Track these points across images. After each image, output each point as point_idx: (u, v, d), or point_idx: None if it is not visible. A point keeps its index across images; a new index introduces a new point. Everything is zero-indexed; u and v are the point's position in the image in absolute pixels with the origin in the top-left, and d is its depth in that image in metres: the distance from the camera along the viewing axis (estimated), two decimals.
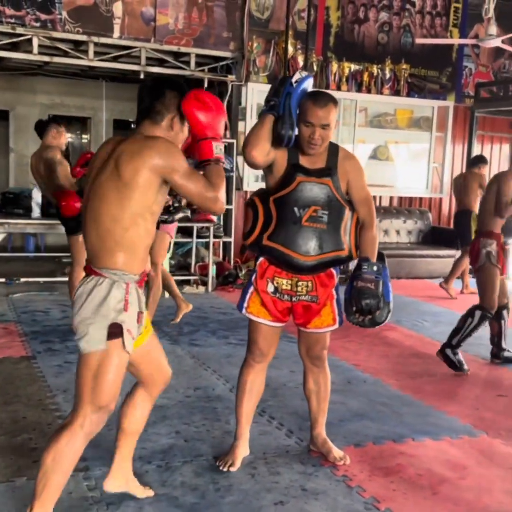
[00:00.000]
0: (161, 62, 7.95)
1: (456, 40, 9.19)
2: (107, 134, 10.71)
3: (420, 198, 9.46)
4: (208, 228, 7.43)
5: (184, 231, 7.70)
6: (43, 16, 7.01)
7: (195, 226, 7.63)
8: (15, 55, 7.28)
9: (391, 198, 9.36)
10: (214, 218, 7.24)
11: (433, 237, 9.19)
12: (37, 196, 6.61)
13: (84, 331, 2.29)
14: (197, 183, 2.33)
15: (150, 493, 2.79)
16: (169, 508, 2.72)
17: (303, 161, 2.91)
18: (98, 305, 2.28)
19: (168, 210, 5.24)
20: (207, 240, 7.59)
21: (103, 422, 2.38)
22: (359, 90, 8.55)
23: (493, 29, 7.05)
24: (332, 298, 3.02)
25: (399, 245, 9.03)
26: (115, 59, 7.65)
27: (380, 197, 9.28)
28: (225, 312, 6.08)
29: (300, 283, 2.96)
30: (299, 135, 2.85)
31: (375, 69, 8.61)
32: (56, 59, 7.41)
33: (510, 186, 4.72)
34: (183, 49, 7.68)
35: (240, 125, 8.01)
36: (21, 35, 7.00)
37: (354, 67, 8.51)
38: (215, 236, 7.60)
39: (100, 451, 3.12)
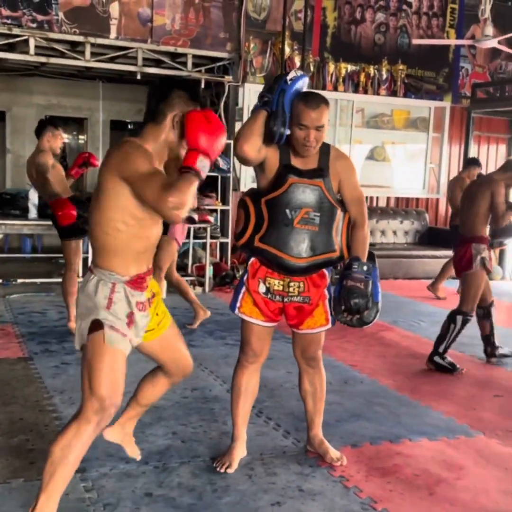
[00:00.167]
0: (158, 63, 7.95)
1: (452, 41, 9.21)
2: (104, 135, 10.70)
3: (417, 199, 9.47)
4: (205, 229, 7.43)
5: None
6: (40, 17, 7.00)
7: (192, 227, 7.62)
8: (12, 56, 7.27)
9: (388, 199, 9.37)
10: (211, 219, 7.24)
11: (430, 238, 9.21)
12: (33, 197, 6.61)
13: (78, 325, 2.44)
14: (152, 188, 2.24)
15: (138, 457, 2.95)
16: (166, 509, 2.72)
17: (295, 161, 2.90)
18: (87, 300, 2.41)
19: None
20: (204, 241, 7.59)
21: (110, 416, 2.41)
22: (356, 90, 8.56)
23: (490, 29, 7.07)
24: (324, 298, 3.02)
25: (396, 246, 9.04)
26: (111, 59, 7.65)
27: (377, 198, 9.29)
28: (222, 313, 6.08)
29: (292, 284, 2.96)
30: (293, 137, 2.84)
31: (372, 70, 8.62)
32: (53, 60, 7.41)
33: (502, 194, 4.74)
34: (180, 50, 7.68)
35: (237, 125, 8.00)
36: (17, 36, 6.99)
37: (350, 67, 8.52)
38: (212, 237, 7.60)
39: (97, 452, 3.12)
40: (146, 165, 2.28)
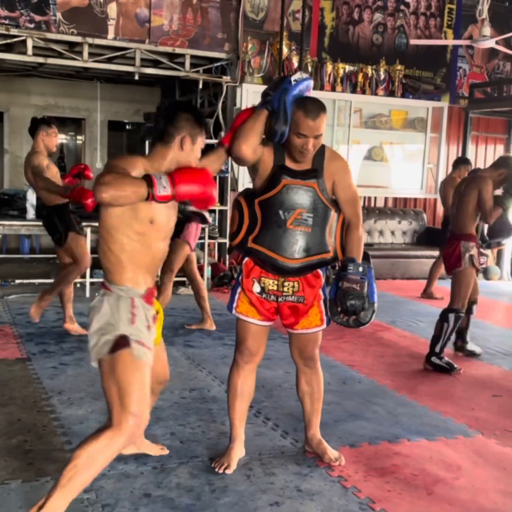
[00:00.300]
0: (155, 63, 7.95)
1: (450, 41, 9.22)
2: (101, 136, 10.70)
3: (415, 199, 9.48)
4: (203, 229, 7.42)
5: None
6: (38, 17, 7.00)
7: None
8: (10, 56, 7.27)
9: (386, 199, 9.38)
10: (210, 219, 7.24)
11: (428, 238, 9.22)
12: (31, 197, 6.60)
13: (95, 341, 2.46)
14: (97, 179, 2.28)
15: (165, 451, 3.16)
16: (164, 509, 2.72)
17: (289, 162, 2.90)
18: (106, 317, 2.44)
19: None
20: (202, 241, 7.58)
21: (142, 430, 2.52)
22: (353, 91, 8.56)
23: (487, 30, 7.07)
24: (319, 298, 3.02)
25: (393, 246, 9.05)
26: (109, 60, 7.65)
27: (375, 198, 9.30)
28: (220, 313, 6.08)
29: (286, 284, 2.96)
30: (290, 144, 2.84)
31: (369, 70, 8.62)
32: (51, 60, 7.40)
33: (489, 191, 4.76)
34: (178, 50, 7.68)
35: None
36: (15, 36, 6.99)
37: (348, 68, 8.52)
38: (210, 237, 7.60)
39: None
40: (118, 168, 2.34)
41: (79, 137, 12.34)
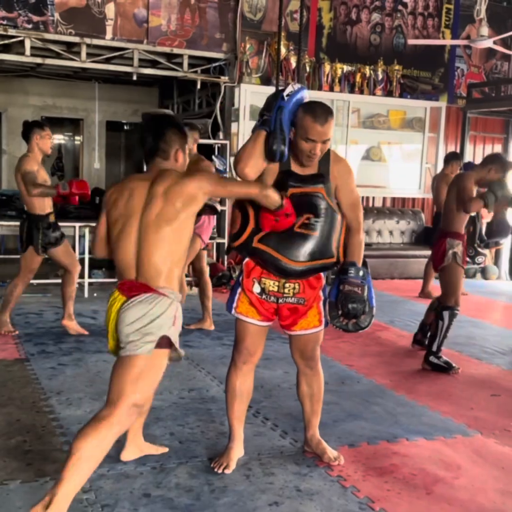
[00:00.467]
0: (153, 64, 7.94)
1: (448, 41, 9.22)
2: (99, 136, 10.70)
3: (413, 199, 9.48)
4: None
5: None
6: (35, 18, 6.99)
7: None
8: (7, 57, 7.26)
9: (384, 199, 9.38)
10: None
11: (426, 238, 9.21)
12: None
13: (136, 337, 2.53)
14: (234, 182, 2.89)
15: (165, 449, 3.21)
16: (164, 509, 2.72)
17: (295, 167, 2.90)
18: (155, 319, 2.55)
19: None
20: None
21: (134, 420, 2.62)
22: (351, 91, 8.56)
23: (485, 30, 7.07)
24: (319, 299, 3.02)
25: (392, 246, 9.05)
26: (107, 60, 7.64)
27: (373, 198, 9.31)
28: (219, 313, 6.07)
29: (287, 285, 2.96)
30: (297, 149, 2.84)
31: (367, 70, 8.62)
32: (49, 61, 7.40)
33: (466, 183, 4.77)
34: (176, 51, 7.67)
35: (233, 126, 8.01)
36: (13, 36, 6.98)
37: (346, 68, 8.52)
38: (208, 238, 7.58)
39: None
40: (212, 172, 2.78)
41: (77, 138, 12.33)
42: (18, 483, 2.86)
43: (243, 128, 7.81)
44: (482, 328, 6.33)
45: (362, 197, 9.06)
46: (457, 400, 4.25)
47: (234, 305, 3.02)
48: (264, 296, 2.98)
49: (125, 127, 11.98)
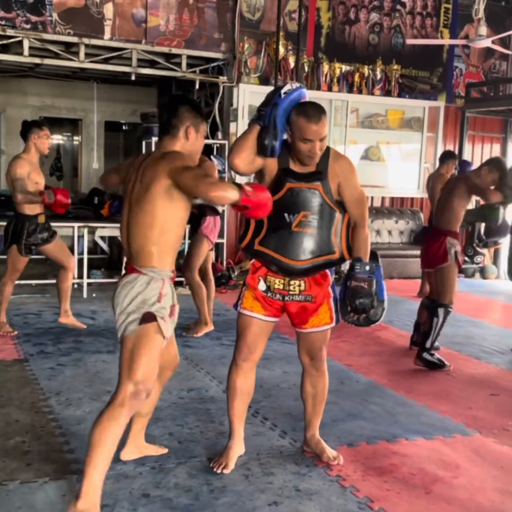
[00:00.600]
0: (152, 64, 7.94)
1: (446, 41, 9.23)
2: (98, 136, 10.70)
3: (412, 198, 9.48)
4: None
5: None
6: (34, 18, 6.99)
7: (187, 227, 7.61)
8: (6, 57, 7.26)
9: (383, 199, 9.38)
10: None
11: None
12: None
13: (122, 318, 2.63)
14: (191, 172, 2.58)
15: (164, 450, 3.20)
16: (163, 509, 2.72)
17: (293, 165, 2.93)
18: (135, 297, 2.62)
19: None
20: None
21: (142, 400, 2.64)
22: (350, 91, 8.57)
23: (483, 29, 7.08)
24: (329, 296, 3.04)
25: (391, 245, 9.06)
26: (106, 60, 7.64)
27: (372, 198, 9.30)
28: (218, 313, 6.08)
29: (292, 283, 2.97)
30: (296, 150, 2.86)
31: (366, 70, 8.63)
32: (47, 61, 7.40)
33: (478, 182, 4.86)
34: (174, 51, 7.68)
35: (232, 126, 8.01)
36: (11, 37, 6.98)
37: (345, 68, 8.52)
38: None
39: None
40: (188, 164, 2.64)
41: (75, 138, 12.33)
42: (18, 483, 2.86)
43: (242, 128, 7.80)
44: (481, 328, 6.33)
45: None
46: (456, 399, 4.25)
47: (240, 302, 3.05)
48: (269, 294, 2.99)
49: (124, 127, 11.97)
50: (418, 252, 8.67)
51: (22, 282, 6.99)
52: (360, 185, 3.02)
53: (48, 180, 5.67)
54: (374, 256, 3.02)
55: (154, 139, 7.16)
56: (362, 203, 3.00)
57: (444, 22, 9.26)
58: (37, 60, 7.34)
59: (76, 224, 7.00)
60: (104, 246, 8.23)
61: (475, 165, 7.33)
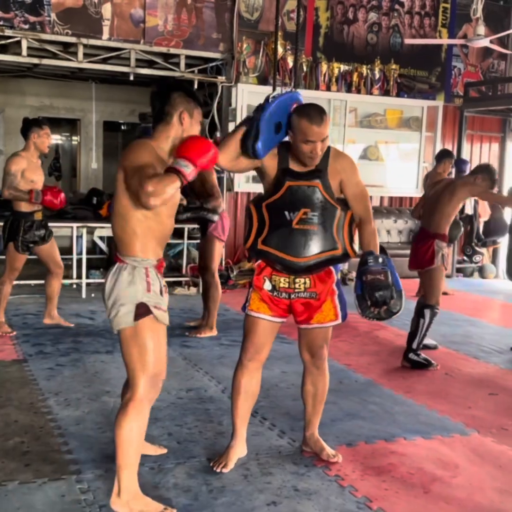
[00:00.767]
0: (150, 64, 7.94)
1: (444, 40, 9.23)
2: (97, 136, 10.69)
3: (411, 198, 9.48)
4: (199, 229, 7.42)
5: (175, 233, 7.69)
6: (32, 18, 6.99)
7: (186, 227, 7.63)
8: (4, 57, 7.25)
9: (381, 198, 9.38)
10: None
11: None
12: None
13: (114, 312, 2.60)
14: (136, 176, 2.47)
15: (163, 450, 3.22)
16: None
17: (293, 165, 2.96)
18: (124, 288, 2.59)
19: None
20: (198, 241, 7.58)
21: (159, 389, 2.72)
22: (348, 90, 8.56)
23: (481, 29, 7.09)
24: (333, 293, 3.05)
25: (389, 245, 9.05)
26: (104, 60, 7.63)
27: (371, 197, 9.22)
28: (218, 314, 6.07)
29: (297, 280, 2.99)
30: (298, 151, 2.89)
31: (364, 70, 8.63)
32: (45, 61, 7.39)
33: (485, 191, 4.95)
34: (173, 51, 7.67)
35: (230, 126, 8.00)
36: (10, 37, 6.97)
37: (343, 67, 8.52)
38: None
39: (92, 454, 3.13)
40: (145, 159, 2.53)
41: (74, 138, 12.32)
42: (17, 484, 2.86)
43: None
44: (480, 327, 6.34)
45: None
46: (454, 399, 4.26)
47: (247, 304, 3.06)
48: (275, 293, 3.01)
49: (122, 127, 11.97)
50: None
51: (21, 282, 6.99)
52: (362, 182, 3.04)
53: (47, 180, 5.65)
54: (382, 250, 3.03)
55: None
56: (365, 199, 3.04)
57: (443, 22, 9.26)
58: (35, 60, 7.33)
59: (74, 224, 7.01)
60: (103, 246, 8.23)
61: (473, 164, 7.36)
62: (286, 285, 3.00)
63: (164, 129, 2.67)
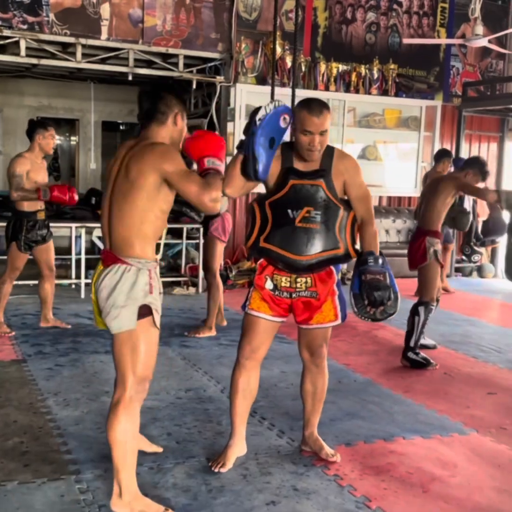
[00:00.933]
0: (149, 64, 7.94)
1: (443, 40, 9.23)
2: (95, 136, 10.69)
3: (409, 198, 9.49)
4: (198, 229, 7.43)
5: (174, 233, 7.71)
6: (31, 19, 6.99)
7: (185, 227, 7.63)
8: (3, 58, 7.25)
9: (380, 198, 9.39)
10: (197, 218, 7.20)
11: None
12: None
13: (116, 314, 2.58)
14: (192, 182, 2.52)
15: (159, 449, 3.22)
16: None
17: (297, 164, 2.97)
18: (128, 290, 2.57)
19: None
20: (197, 241, 7.59)
21: (146, 389, 2.78)
22: (347, 90, 8.57)
23: (480, 28, 7.10)
24: (333, 294, 3.05)
25: (388, 245, 9.06)
26: (103, 61, 7.64)
27: None
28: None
29: (299, 280, 2.99)
30: (297, 143, 2.91)
31: (363, 69, 8.63)
32: (44, 61, 7.39)
33: (468, 184, 4.92)
34: (171, 51, 7.68)
35: (229, 126, 8.02)
36: (8, 37, 6.98)
37: (342, 67, 8.53)
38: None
39: (91, 454, 3.13)
40: (183, 164, 2.58)
41: (73, 138, 12.32)
42: (16, 484, 2.86)
43: (239, 127, 7.81)
44: (478, 327, 6.34)
45: None
46: (453, 398, 4.26)
47: (247, 303, 3.07)
48: (277, 292, 3.01)
49: (121, 127, 11.97)
50: None
51: (20, 282, 6.98)
52: (365, 183, 3.06)
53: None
54: (380, 254, 3.04)
55: None
56: (367, 200, 3.05)
57: (441, 22, 9.27)
58: (34, 61, 7.33)
59: (73, 225, 7.01)
60: (102, 246, 8.23)
61: None
62: (288, 284, 3.00)
63: (157, 129, 2.67)
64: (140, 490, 2.83)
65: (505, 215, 5.40)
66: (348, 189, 3.01)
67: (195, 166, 2.74)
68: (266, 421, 3.69)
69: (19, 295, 6.65)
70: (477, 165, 4.96)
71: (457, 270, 9.45)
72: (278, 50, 7.97)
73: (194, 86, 7.98)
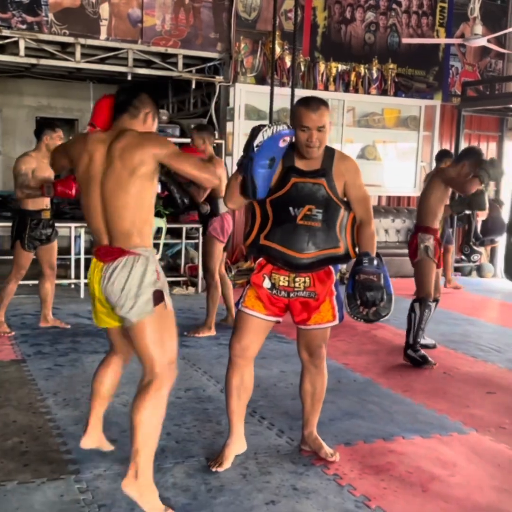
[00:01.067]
0: (148, 64, 7.94)
1: (442, 40, 9.24)
2: None
3: (409, 197, 9.49)
4: (197, 229, 7.43)
5: (173, 232, 7.71)
6: (30, 18, 6.99)
7: (184, 227, 7.64)
8: (2, 58, 7.25)
9: (379, 198, 9.39)
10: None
11: None
12: None
13: (132, 303, 2.62)
14: (190, 157, 2.74)
15: (111, 447, 3.15)
16: None
17: (299, 163, 2.98)
18: (140, 279, 2.63)
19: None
20: (196, 241, 7.59)
21: (175, 374, 2.76)
22: (346, 90, 8.57)
23: (479, 28, 7.10)
24: (331, 294, 3.05)
25: (388, 244, 9.06)
26: (102, 60, 7.64)
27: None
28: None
29: (297, 279, 2.99)
30: (297, 141, 2.92)
31: (362, 69, 8.63)
32: (43, 61, 7.39)
33: (452, 174, 4.91)
34: (171, 50, 7.68)
35: (228, 125, 8.02)
36: (7, 37, 6.97)
37: (341, 67, 8.52)
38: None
39: (91, 454, 3.13)
40: (175, 146, 2.71)
41: (72, 138, 12.30)
42: (15, 484, 2.86)
43: (238, 127, 7.82)
44: (478, 326, 6.34)
45: None
46: (452, 398, 4.26)
47: (242, 300, 3.07)
48: (274, 291, 3.01)
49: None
50: None
51: (20, 282, 6.99)
52: (364, 185, 3.07)
53: None
54: (377, 255, 3.04)
55: None
56: (366, 202, 3.06)
57: (440, 21, 9.27)
58: (33, 61, 7.33)
59: (73, 224, 7.00)
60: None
61: None
62: (286, 284, 3.00)
63: (130, 121, 2.74)
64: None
65: (504, 215, 5.41)
66: (348, 190, 3.01)
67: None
68: (265, 420, 3.69)
69: (19, 295, 6.63)
70: (473, 155, 4.95)
71: (457, 269, 9.45)
72: (277, 49, 7.96)
73: (193, 86, 7.98)
